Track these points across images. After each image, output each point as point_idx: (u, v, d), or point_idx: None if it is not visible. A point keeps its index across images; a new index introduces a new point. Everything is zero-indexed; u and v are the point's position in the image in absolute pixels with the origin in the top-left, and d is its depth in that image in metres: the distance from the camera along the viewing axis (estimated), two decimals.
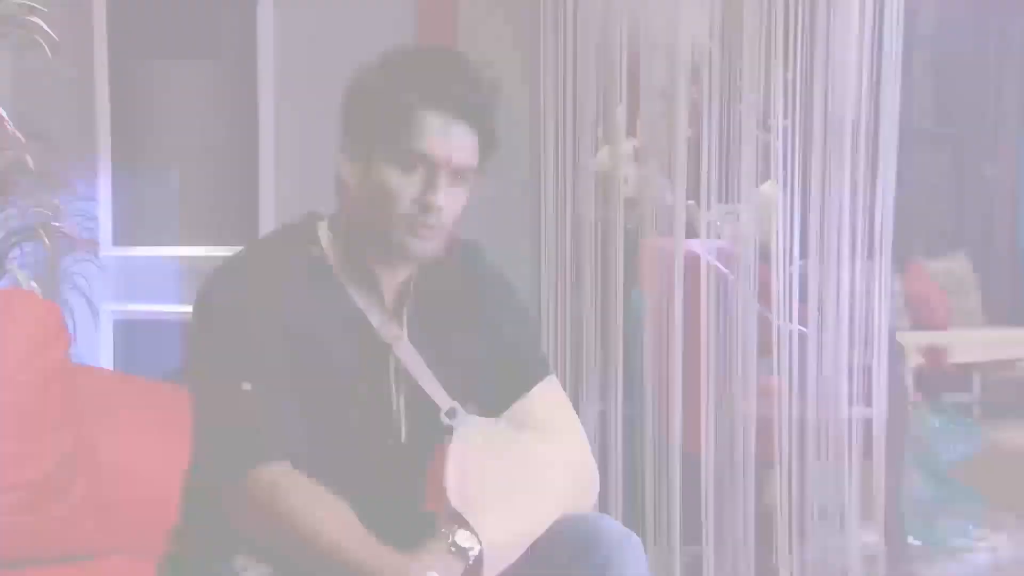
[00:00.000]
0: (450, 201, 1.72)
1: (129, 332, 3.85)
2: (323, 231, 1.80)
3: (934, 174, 7.66)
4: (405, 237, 1.71)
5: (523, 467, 1.76)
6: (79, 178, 3.73)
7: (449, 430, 1.77)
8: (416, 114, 1.70)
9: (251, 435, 1.65)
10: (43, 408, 2.26)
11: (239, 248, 1.81)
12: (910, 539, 3.67)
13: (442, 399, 1.78)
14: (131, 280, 3.82)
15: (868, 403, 2.98)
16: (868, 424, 2.99)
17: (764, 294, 2.98)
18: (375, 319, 1.76)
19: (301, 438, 1.68)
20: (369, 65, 1.76)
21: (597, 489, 1.89)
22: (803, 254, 2.97)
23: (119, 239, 3.83)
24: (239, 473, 1.63)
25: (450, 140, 1.71)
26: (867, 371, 2.98)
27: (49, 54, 3.26)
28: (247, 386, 1.66)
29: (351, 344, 1.75)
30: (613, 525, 1.77)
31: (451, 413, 1.78)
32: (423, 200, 1.70)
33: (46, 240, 3.38)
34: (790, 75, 2.89)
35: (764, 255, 3.03)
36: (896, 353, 3.10)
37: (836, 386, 2.95)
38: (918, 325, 6.54)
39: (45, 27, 3.27)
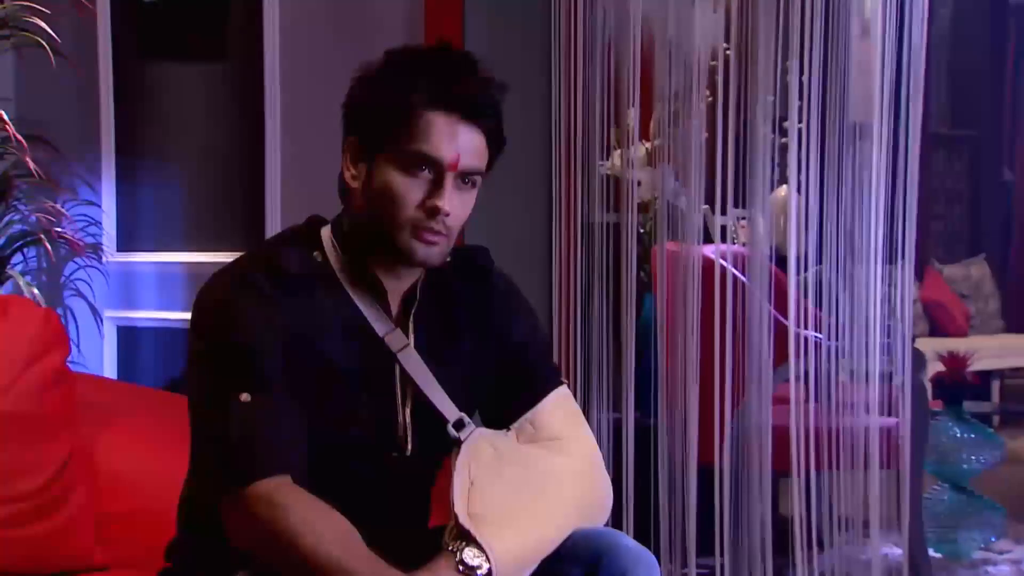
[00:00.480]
0: (457, 205, 1.67)
1: (133, 340, 3.81)
2: (326, 236, 1.75)
3: (951, 178, 7.61)
4: (410, 242, 1.66)
5: (533, 481, 1.72)
6: (82, 182, 3.71)
7: (456, 443, 1.72)
8: (422, 115, 1.65)
9: (249, 448, 1.60)
10: (40, 417, 2.20)
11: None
12: (931, 551, 3.61)
13: (449, 410, 1.73)
14: (135, 287, 3.78)
15: (885, 411, 2.92)
16: (887, 433, 2.92)
17: (780, 300, 2.92)
18: (380, 327, 1.71)
19: (302, 451, 1.63)
20: (373, 64, 1.71)
21: (610, 503, 1.84)
22: (819, 259, 2.91)
23: (123, 244, 3.80)
24: (236, 488, 1.59)
25: (457, 142, 1.66)
26: (885, 379, 2.92)
27: (51, 56, 3.23)
28: (246, 397, 1.61)
29: (355, 353, 1.70)
30: (627, 541, 1.73)
31: (459, 425, 1.74)
32: (429, 204, 1.65)
33: (48, 246, 3.34)
34: (806, 78, 2.83)
35: (780, 260, 2.98)
36: (916, 361, 3.03)
37: (855, 394, 2.89)
38: (935, 331, 6.49)
39: (47, 29, 3.23)
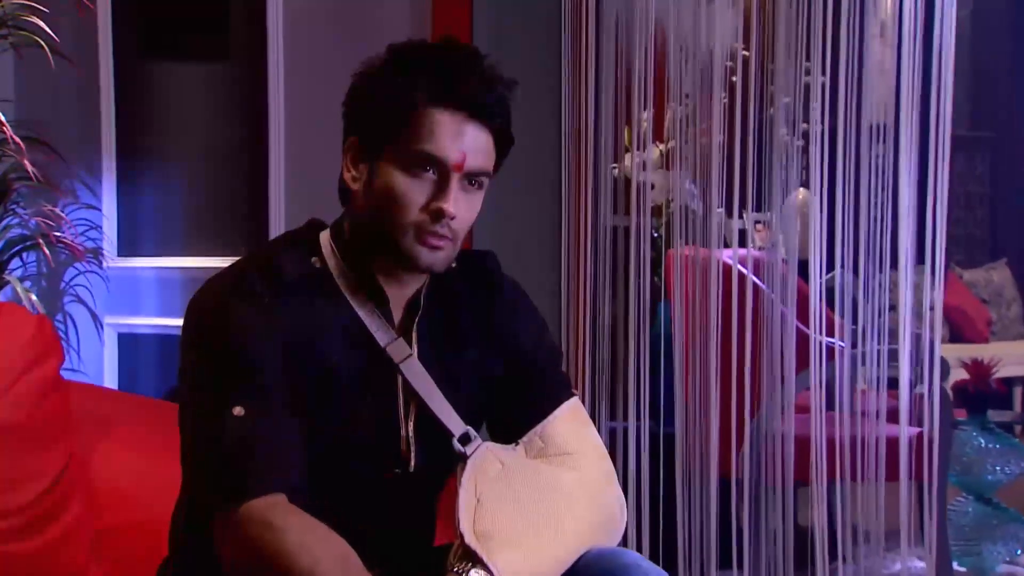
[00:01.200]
0: (463, 208, 1.62)
1: (134, 347, 3.78)
2: (325, 240, 1.69)
3: (972, 180, 7.55)
4: (414, 247, 1.61)
5: (543, 499, 1.65)
6: (82, 186, 3.68)
7: (462, 458, 1.66)
8: (426, 113, 1.59)
9: (243, 464, 1.53)
10: (33, 428, 2.14)
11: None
12: (954, 564, 3.54)
13: (455, 424, 1.68)
14: (136, 292, 3.75)
15: (905, 420, 2.85)
16: (911, 443, 2.86)
17: (798, 306, 2.86)
18: (381, 336, 1.65)
19: (298, 468, 1.57)
20: (375, 60, 1.65)
21: (624, 522, 1.79)
22: (840, 264, 2.85)
23: (124, 249, 3.77)
24: (229, 507, 1.52)
25: (463, 141, 1.60)
26: (907, 386, 2.85)
27: (50, 56, 3.17)
28: (239, 410, 1.55)
29: (355, 364, 1.64)
30: (642, 561, 1.67)
31: (464, 439, 1.68)
32: (434, 207, 1.60)
33: (47, 251, 3.29)
34: (826, 79, 2.77)
35: (796, 265, 2.91)
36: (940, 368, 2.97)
37: (878, 403, 2.84)
38: (955, 337, 6.40)
39: (46, 28, 3.18)
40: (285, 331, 1.59)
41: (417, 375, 1.65)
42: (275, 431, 1.55)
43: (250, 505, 1.51)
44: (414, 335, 1.68)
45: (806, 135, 2.82)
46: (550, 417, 1.73)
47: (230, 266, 1.67)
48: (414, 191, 1.59)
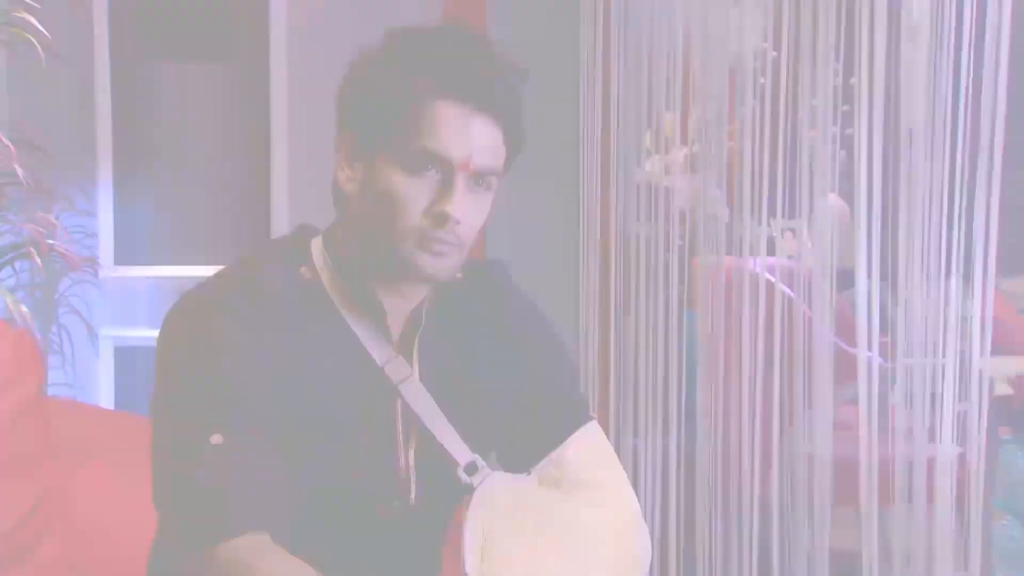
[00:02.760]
0: (469, 211, 1.49)
1: (131, 359, 3.73)
2: (317, 248, 1.57)
3: (1010, 187, 7.46)
4: (415, 254, 1.48)
5: (560, 537, 1.54)
6: (77, 191, 3.63)
7: (468, 489, 1.55)
8: (428, 105, 1.47)
9: (220, 500, 1.40)
10: (9, 454, 2.03)
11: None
12: None
13: (460, 451, 1.56)
14: (133, 303, 3.71)
15: (943, 438, 2.78)
16: (951, 463, 2.78)
17: (836, 319, 2.83)
18: (378, 355, 1.54)
19: (284, 504, 1.44)
20: (372, 47, 1.52)
21: (648, 559, 1.65)
22: (871, 274, 2.78)
23: (120, 257, 3.73)
24: (204, 547, 1.39)
25: (469, 137, 1.47)
26: (941, 402, 2.80)
27: (42, 55, 3.07)
28: (217, 439, 1.42)
29: (349, 386, 1.52)
30: None
31: (471, 469, 1.56)
32: (437, 210, 1.47)
33: (39, 259, 3.20)
34: (855, 80, 2.70)
35: (828, 275, 2.86)
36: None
37: (916, 420, 2.76)
38: (994, 350, 6.30)
39: (38, 25, 3.11)
40: (269, 350, 1.47)
41: (418, 397, 1.54)
42: (257, 462, 1.42)
43: (228, 546, 1.38)
44: (415, 353, 1.56)
45: (836, 139, 2.76)
46: (565, 442, 1.61)
47: (208, 279, 1.54)
48: (415, 192, 1.46)
